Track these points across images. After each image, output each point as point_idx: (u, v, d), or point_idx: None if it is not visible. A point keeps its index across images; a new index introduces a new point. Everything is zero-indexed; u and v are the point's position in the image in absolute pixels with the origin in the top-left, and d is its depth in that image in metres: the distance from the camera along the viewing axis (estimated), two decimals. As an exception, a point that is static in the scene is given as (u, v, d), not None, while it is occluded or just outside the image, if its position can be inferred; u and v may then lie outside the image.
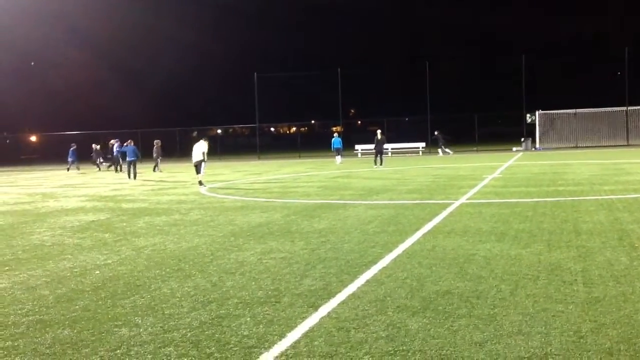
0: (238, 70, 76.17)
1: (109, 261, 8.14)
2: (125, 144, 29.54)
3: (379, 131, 32.80)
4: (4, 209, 15.71)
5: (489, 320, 5.02)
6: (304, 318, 5.26)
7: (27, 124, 67.90)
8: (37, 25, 66.65)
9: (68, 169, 37.62)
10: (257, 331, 4.98)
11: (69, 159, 37.30)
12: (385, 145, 38.70)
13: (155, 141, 33.63)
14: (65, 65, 72.53)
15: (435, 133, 44.37)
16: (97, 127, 51.75)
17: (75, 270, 7.63)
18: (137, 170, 26.96)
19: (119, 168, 32.97)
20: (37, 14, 66.74)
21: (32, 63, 73.04)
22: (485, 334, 4.68)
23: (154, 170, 32.39)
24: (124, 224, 11.85)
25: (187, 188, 20.89)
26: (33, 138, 67.47)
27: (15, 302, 6.15)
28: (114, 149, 34.08)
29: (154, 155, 33.02)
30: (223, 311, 5.61)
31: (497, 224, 9.92)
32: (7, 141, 66.83)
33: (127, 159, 28.04)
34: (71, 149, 37.36)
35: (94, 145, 39.85)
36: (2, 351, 4.69)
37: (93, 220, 12.60)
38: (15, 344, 4.87)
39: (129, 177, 26.17)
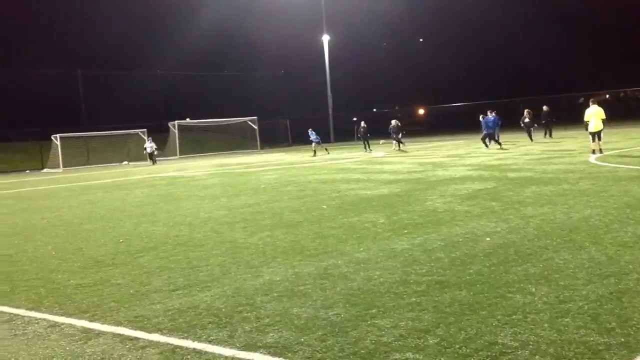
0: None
1: (498, 229, 8.29)
2: (489, 115, 29.59)
3: None
4: (400, 177, 17.21)
5: None
6: None
7: (415, 98, 72.72)
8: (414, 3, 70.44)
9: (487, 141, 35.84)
10: (664, 311, 4.55)
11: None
12: None
13: (526, 110, 32.79)
14: (448, 40, 75.45)
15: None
16: (478, 98, 52.65)
17: (467, 236, 7.97)
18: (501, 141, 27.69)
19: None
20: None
21: (421, 40, 77.81)
22: None
23: (530, 139, 31.62)
24: (511, 193, 11.92)
25: (574, 157, 20.00)
26: (421, 111, 72.19)
27: (415, 263, 6.70)
28: None
29: (526, 124, 32.26)
30: (622, 286, 5.27)
31: None
32: (399, 115, 72.79)
33: (488, 130, 28.50)
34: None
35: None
36: (407, 306, 5.18)
37: (480, 189, 12.97)
38: (419, 300, 5.32)
39: (486, 146, 28.08)
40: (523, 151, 24.80)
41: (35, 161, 44.16)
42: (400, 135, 35.56)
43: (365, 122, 38.36)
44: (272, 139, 56.79)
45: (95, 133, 45.68)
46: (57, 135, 43.04)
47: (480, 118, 30.48)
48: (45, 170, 42.13)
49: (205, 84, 65.49)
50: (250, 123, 55.29)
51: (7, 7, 57.08)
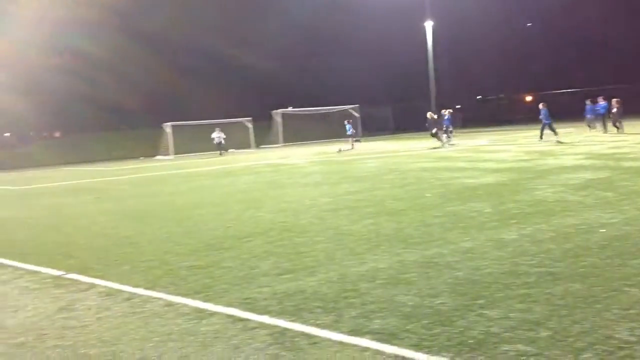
0: None
1: (614, 220, 7.91)
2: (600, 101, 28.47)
3: None
4: (506, 166, 16.73)
5: None
6: None
7: (524, 85, 70.24)
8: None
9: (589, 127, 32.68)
10: None
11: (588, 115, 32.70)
12: None
13: (615, 100, 30.68)
14: (558, 25, 72.19)
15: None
16: (591, 85, 50.11)
17: (580, 227, 7.66)
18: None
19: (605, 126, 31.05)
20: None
21: (529, 24, 74.93)
22: None
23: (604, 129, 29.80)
24: (627, 183, 11.33)
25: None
26: (528, 98, 69.70)
27: (524, 254, 6.52)
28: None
29: (613, 114, 30.30)
30: None
31: None
32: (504, 102, 70.70)
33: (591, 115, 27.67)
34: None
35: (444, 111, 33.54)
36: (517, 297, 5.06)
37: (593, 178, 12.40)
38: (529, 292, 5.18)
39: (541, 137, 27.49)
40: (639, 139, 23.46)
41: (149, 148, 46.34)
42: (435, 130, 30.60)
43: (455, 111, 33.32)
44: (374, 127, 56.54)
45: (202, 122, 47.23)
46: (168, 124, 45.01)
47: (589, 102, 29.30)
48: (157, 157, 44.16)
49: (305, 73, 66.20)
50: (351, 111, 55.38)
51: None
